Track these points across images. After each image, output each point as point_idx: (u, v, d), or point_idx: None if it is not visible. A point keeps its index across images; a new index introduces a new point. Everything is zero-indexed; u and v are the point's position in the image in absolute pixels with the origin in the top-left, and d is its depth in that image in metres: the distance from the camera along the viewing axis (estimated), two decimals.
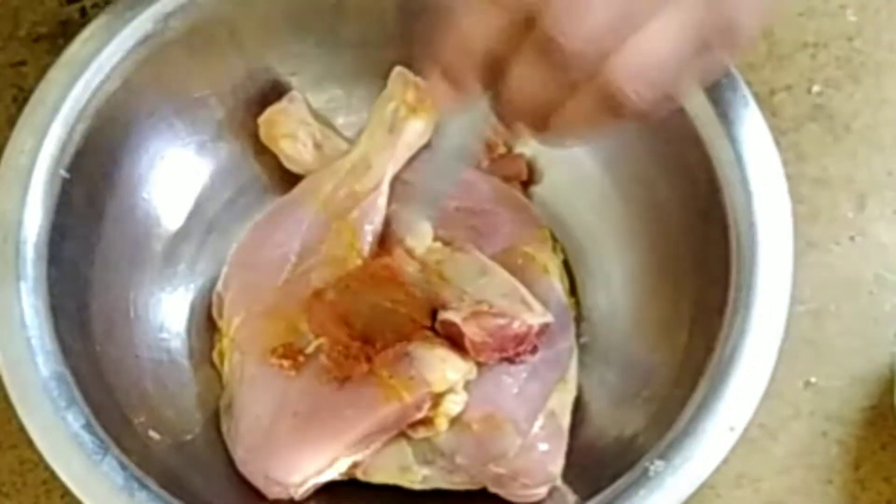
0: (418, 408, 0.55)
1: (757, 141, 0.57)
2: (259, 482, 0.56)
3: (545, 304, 0.58)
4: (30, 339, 0.53)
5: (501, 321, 0.56)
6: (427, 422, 0.56)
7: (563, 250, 0.63)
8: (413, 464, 0.57)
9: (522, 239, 0.61)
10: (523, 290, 0.58)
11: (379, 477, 0.57)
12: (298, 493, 0.56)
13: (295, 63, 0.65)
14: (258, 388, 0.57)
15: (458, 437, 0.56)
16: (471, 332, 0.55)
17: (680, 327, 0.58)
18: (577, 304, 0.63)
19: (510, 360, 0.57)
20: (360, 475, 0.57)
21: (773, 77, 0.70)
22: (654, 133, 0.60)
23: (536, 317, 0.57)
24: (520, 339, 0.56)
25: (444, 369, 0.55)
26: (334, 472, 0.56)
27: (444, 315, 0.56)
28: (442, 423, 0.56)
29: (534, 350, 0.57)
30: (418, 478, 0.57)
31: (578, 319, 0.62)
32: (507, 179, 0.64)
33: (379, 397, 0.55)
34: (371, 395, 0.55)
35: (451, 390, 0.55)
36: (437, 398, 0.55)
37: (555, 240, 0.63)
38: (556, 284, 0.61)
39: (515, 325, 0.56)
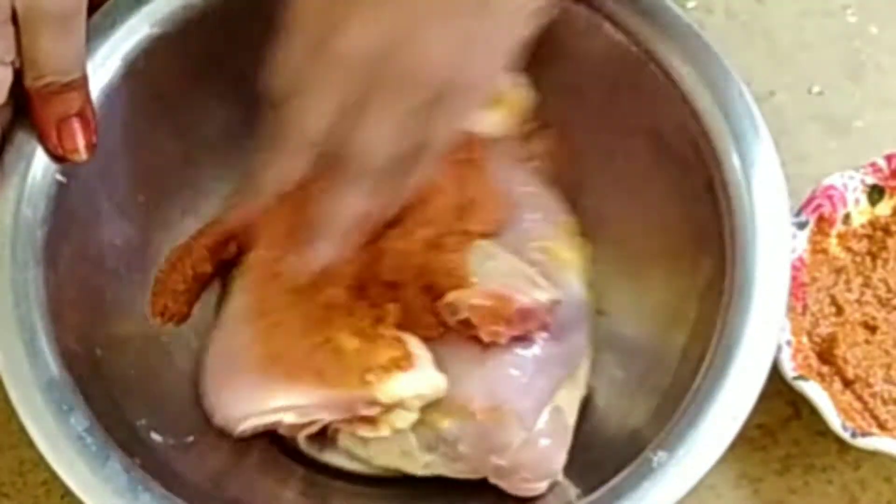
0: (367, 405, 0.54)
1: (757, 142, 0.57)
2: (208, 406, 0.57)
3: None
4: (31, 341, 0.52)
5: (508, 294, 0.55)
6: (371, 421, 0.55)
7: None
8: (416, 449, 0.57)
9: (544, 233, 0.60)
10: (531, 271, 0.57)
11: (382, 460, 0.58)
12: (237, 430, 0.56)
13: None
14: (238, 323, 0.58)
15: (462, 425, 0.56)
16: (477, 306, 0.55)
17: (683, 320, 0.58)
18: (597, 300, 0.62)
19: (520, 339, 0.56)
20: (361, 454, 0.58)
21: (773, 77, 0.70)
22: (654, 134, 0.60)
23: (544, 292, 0.56)
24: (527, 315, 0.56)
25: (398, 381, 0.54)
26: (278, 425, 0.56)
27: (451, 295, 0.56)
28: (384, 430, 0.55)
29: (544, 328, 0.57)
30: (420, 464, 0.57)
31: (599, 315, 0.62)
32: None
33: (337, 376, 0.54)
34: (334, 369, 0.55)
35: (400, 405, 0.55)
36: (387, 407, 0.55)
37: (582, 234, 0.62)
38: (574, 278, 0.60)
39: (523, 298, 0.55)
